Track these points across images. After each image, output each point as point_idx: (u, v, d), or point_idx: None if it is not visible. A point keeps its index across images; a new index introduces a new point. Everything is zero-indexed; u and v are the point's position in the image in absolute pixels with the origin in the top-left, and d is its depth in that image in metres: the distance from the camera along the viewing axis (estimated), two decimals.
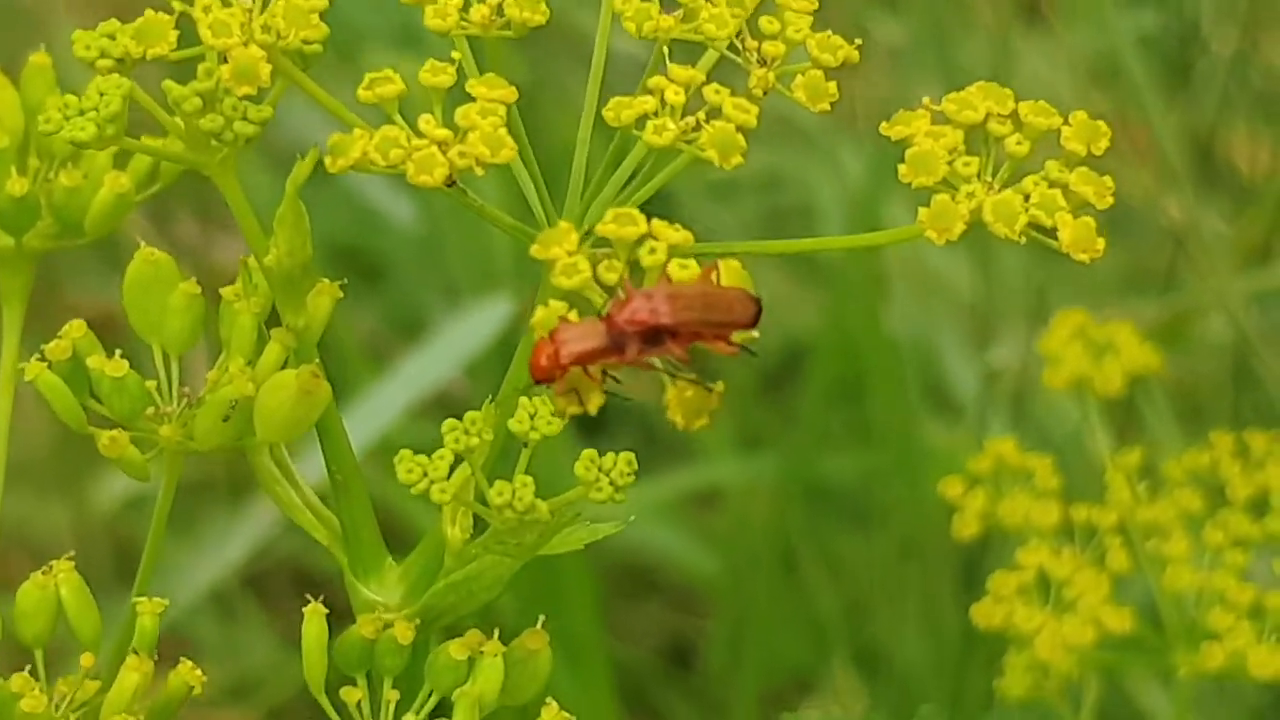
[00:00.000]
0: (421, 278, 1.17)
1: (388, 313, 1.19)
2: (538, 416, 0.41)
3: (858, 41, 0.42)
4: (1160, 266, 1.04)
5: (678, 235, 0.39)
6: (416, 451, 0.41)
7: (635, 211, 0.39)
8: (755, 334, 0.40)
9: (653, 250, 0.39)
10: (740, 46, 0.42)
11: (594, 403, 0.40)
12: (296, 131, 1.06)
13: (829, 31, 0.42)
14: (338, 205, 1.15)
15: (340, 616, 0.44)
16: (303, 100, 0.42)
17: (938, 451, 1.01)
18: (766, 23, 0.42)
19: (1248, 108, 1.13)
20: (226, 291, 0.43)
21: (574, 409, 0.40)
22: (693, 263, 0.39)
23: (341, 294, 0.44)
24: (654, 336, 0.38)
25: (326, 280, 0.43)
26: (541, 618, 0.43)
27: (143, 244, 0.44)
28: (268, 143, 0.45)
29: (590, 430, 1.14)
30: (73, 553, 0.44)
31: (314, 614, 0.42)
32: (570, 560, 0.99)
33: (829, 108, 0.41)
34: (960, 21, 1.17)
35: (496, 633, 0.42)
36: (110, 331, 0.45)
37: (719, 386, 0.40)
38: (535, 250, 0.39)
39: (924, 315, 1.06)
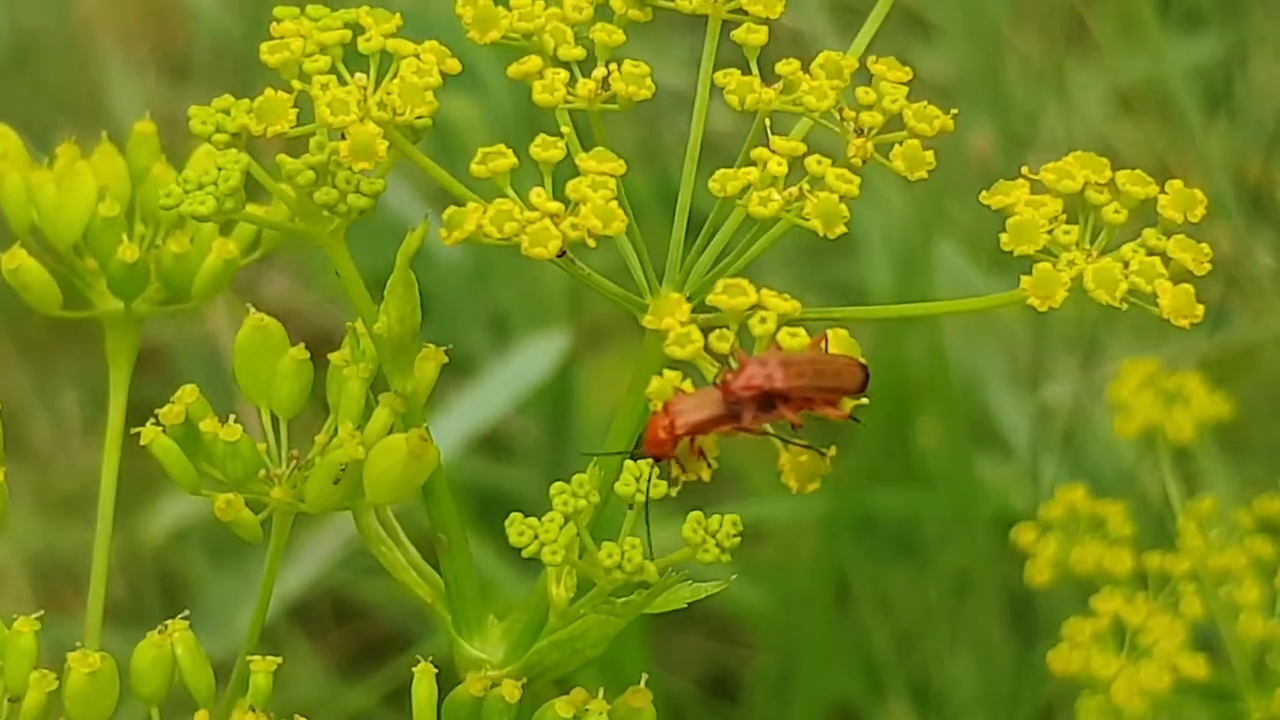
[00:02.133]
0: (468, 310, 1.18)
1: (436, 344, 1.20)
2: (642, 479, 0.42)
3: (954, 111, 0.43)
4: (1213, 300, 1.04)
5: (787, 305, 0.40)
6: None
7: (745, 282, 0.40)
8: (865, 400, 0.41)
9: (763, 320, 0.40)
10: (839, 117, 0.43)
11: (706, 473, 0.41)
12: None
13: (925, 102, 0.43)
14: (379, 233, 1.16)
15: (382, 645, 0.45)
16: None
17: (990, 488, 1.01)
18: (863, 94, 0.43)
19: None
20: (334, 357, 0.45)
21: (688, 476, 0.41)
22: (801, 331, 0.40)
23: (447, 359, 0.45)
24: (767, 403, 0.40)
25: (433, 346, 0.45)
26: (645, 675, 0.44)
27: (252, 310, 0.45)
28: None
29: None
30: (185, 613, 0.45)
31: (424, 674, 0.43)
32: None
33: (926, 175, 0.43)
34: (1000, 50, 1.18)
35: (601, 691, 0.43)
36: (158, 365, 0.46)
37: (831, 451, 0.41)
38: (648, 321, 0.40)
39: (972, 350, 1.07)
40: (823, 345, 0.41)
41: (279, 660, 0.44)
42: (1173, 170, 1.09)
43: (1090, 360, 1.01)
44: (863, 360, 0.41)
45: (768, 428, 0.40)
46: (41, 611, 0.44)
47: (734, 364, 0.40)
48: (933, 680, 1.02)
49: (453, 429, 0.99)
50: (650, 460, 0.41)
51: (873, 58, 0.44)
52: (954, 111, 0.43)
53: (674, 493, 0.41)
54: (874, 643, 1.00)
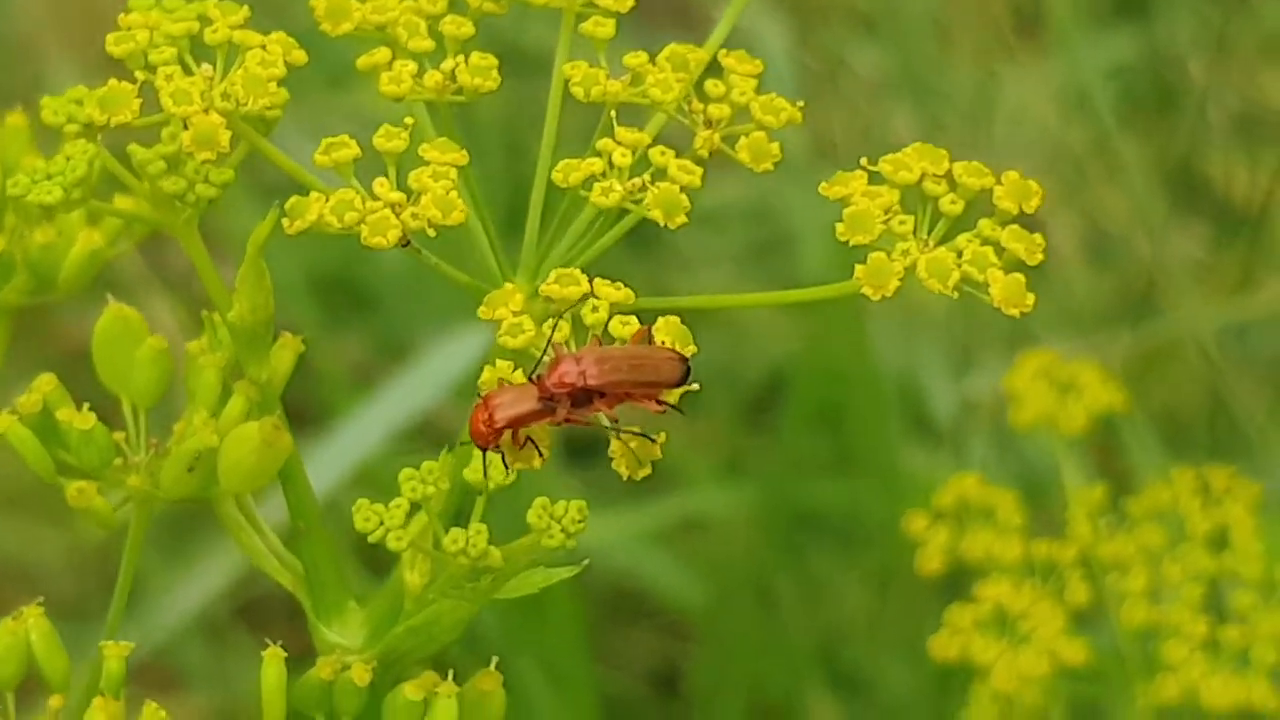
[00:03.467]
0: (410, 306, 1.19)
1: (376, 340, 1.21)
2: (491, 467, 0.42)
3: (801, 103, 0.43)
4: (1138, 294, 1.05)
5: (619, 294, 0.40)
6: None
7: (577, 271, 0.41)
8: (695, 387, 0.41)
9: (595, 308, 0.40)
10: (687, 109, 0.43)
11: (536, 462, 0.41)
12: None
13: (772, 94, 0.43)
14: (327, 236, 1.16)
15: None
16: (295, 129, 0.43)
17: (918, 478, 1.02)
18: (712, 86, 0.43)
19: (1225, 133, 1.14)
20: (191, 346, 0.45)
21: (519, 465, 0.41)
22: (633, 319, 0.40)
23: (302, 347, 0.45)
24: (583, 398, 0.40)
25: (289, 334, 0.45)
26: (495, 658, 0.45)
27: (111, 299, 0.46)
28: (255, 176, 0.47)
29: (579, 456, 1.15)
30: (41, 598, 0.45)
31: (272, 658, 0.43)
32: (557, 587, 1.00)
33: (771, 167, 0.43)
34: (941, 50, 1.19)
35: (451, 674, 0.44)
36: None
37: (661, 438, 0.41)
38: (482, 312, 0.41)
39: (904, 342, 1.07)
40: (648, 337, 0.41)
41: (131, 646, 0.44)
42: (1108, 170, 1.10)
43: (1017, 350, 1.02)
44: (684, 352, 0.41)
45: (602, 418, 0.41)
46: None
47: (549, 360, 0.40)
48: (862, 669, 1.02)
49: (384, 416, 1.00)
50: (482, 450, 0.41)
51: (723, 51, 0.44)
52: (800, 104, 0.43)
53: (510, 480, 0.42)
54: (797, 637, 1.00)
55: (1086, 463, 0.69)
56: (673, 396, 0.41)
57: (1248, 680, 0.59)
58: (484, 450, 0.41)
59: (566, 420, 0.40)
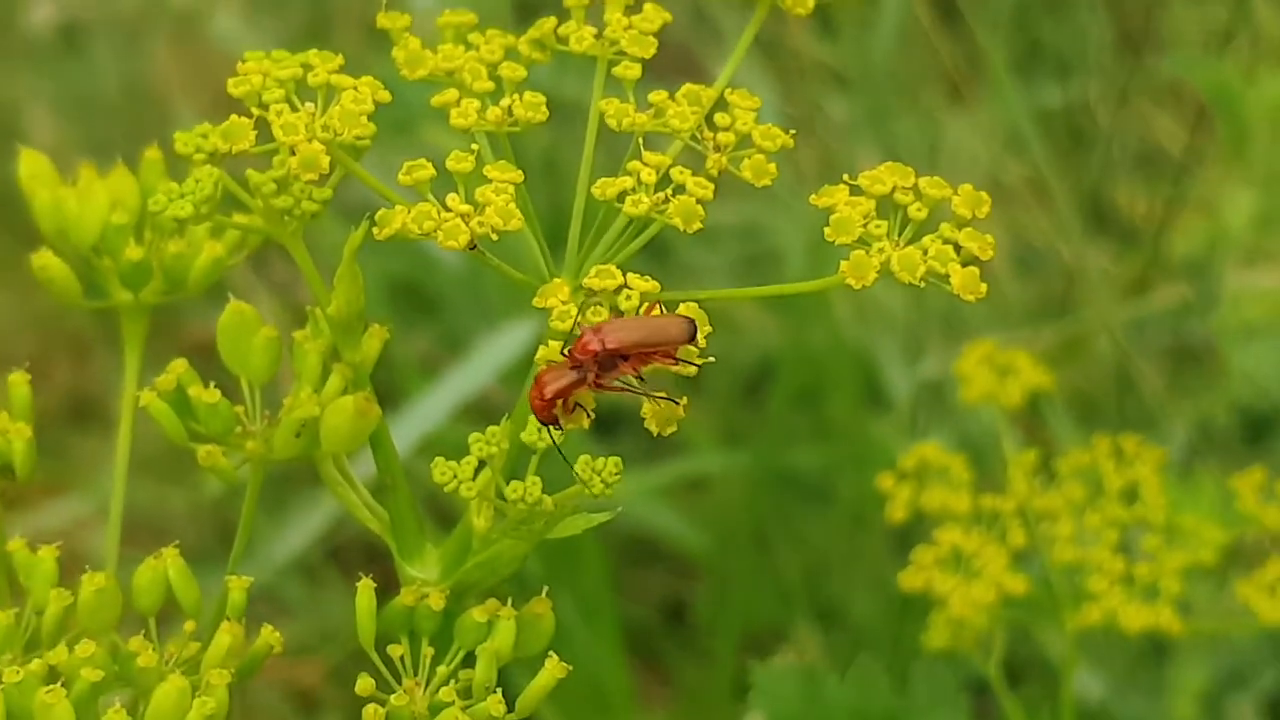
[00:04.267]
0: (467, 307, 1.18)
1: (440, 336, 1.21)
2: (544, 429, 0.42)
3: (792, 132, 0.43)
4: (1058, 296, 1.04)
5: (646, 284, 0.40)
6: (461, 448, 0.42)
7: (613, 268, 0.40)
8: (697, 347, 0.40)
9: (628, 297, 0.40)
10: (700, 136, 0.42)
11: (584, 422, 0.41)
12: (363, 192, 1.08)
13: (770, 124, 0.43)
14: (399, 250, 1.16)
15: (396, 584, 0.45)
16: (372, 164, 0.43)
17: (880, 445, 1.01)
18: (720, 117, 0.43)
19: (1129, 166, 1.14)
20: (298, 334, 0.44)
21: (570, 426, 0.41)
22: (660, 306, 0.40)
23: (389, 336, 0.44)
24: (609, 363, 0.39)
25: (377, 325, 0.44)
26: (546, 588, 0.44)
27: (232, 298, 0.45)
28: (341, 200, 0.47)
29: (602, 432, 1.15)
30: (178, 541, 0.44)
31: (365, 588, 0.43)
32: (586, 536, 1.00)
33: (770, 183, 0.42)
34: (901, 100, 1.18)
35: (510, 600, 0.43)
36: (215, 353, 0.46)
37: (684, 400, 0.41)
38: (536, 301, 0.40)
39: (865, 333, 1.07)
40: (655, 311, 0.40)
41: (251, 580, 0.43)
42: (1035, 196, 1.09)
43: (959, 339, 1.01)
44: (701, 331, 0.40)
45: (633, 382, 0.40)
46: (60, 541, 0.44)
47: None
48: (838, 603, 1.02)
49: (446, 398, 0.99)
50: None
51: (729, 89, 0.44)
52: (793, 132, 0.43)
53: (561, 440, 0.41)
54: (783, 575, 1.00)
55: (1016, 432, 0.68)
56: (691, 357, 0.40)
57: (1157, 608, 0.59)
58: (544, 424, 0.40)
59: (597, 385, 0.39)
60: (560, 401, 0.40)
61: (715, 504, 1.09)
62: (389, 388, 1.11)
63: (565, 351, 0.39)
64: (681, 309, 0.40)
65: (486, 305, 1.15)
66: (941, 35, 1.15)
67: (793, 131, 0.43)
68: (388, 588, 0.46)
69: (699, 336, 0.40)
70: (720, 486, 1.08)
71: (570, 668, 0.42)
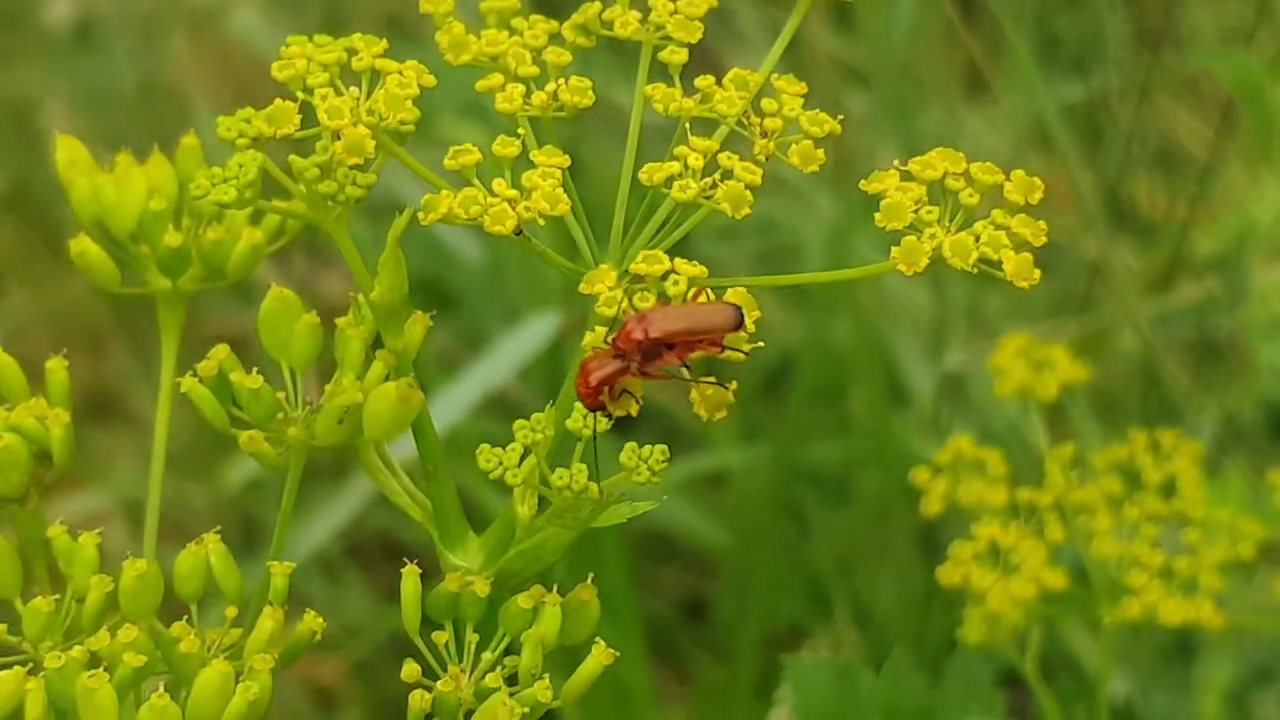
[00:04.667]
0: (486, 303, 1.18)
1: (459, 331, 1.20)
2: (589, 416, 0.41)
3: (840, 116, 0.42)
4: (1081, 292, 1.04)
5: (694, 269, 0.40)
6: (483, 442, 0.41)
7: (660, 253, 0.40)
8: (745, 333, 0.40)
9: (675, 282, 0.39)
10: (746, 122, 0.42)
11: (633, 408, 0.40)
12: (385, 187, 1.08)
13: (816, 109, 0.42)
14: (418, 245, 1.16)
15: (424, 579, 0.45)
16: (392, 162, 0.42)
17: (902, 441, 1.01)
18: (767, 103, 0.42)
19: (1148, 163, 1.13)
20: (340, 321, 0.44)
21: (619, 412, 0.40)
22: (708, 291, 0.39)
23: (430, 323, 0.44)
24: (652, 351, 0.39)
25: (420, 312, 0.44)
26: (591, 575, 0.44)
27: (273, 285, 0.45)
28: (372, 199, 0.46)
29: (620, 425, 1.14)
30: (217, 527, 0.44)
31: (410, 574, 0.42)
32: (608, 531, 1.00)
33: (817, 169, 0.42)
34: (920, 95, 1.18)
35: (555, 587, 0.43)
36: (241, 350, 0.46)
37: (733, 385, 0.40)
38: (583, 286, 0.40)
39: (887, 328, 1.07)
40: (701, 298, 0.40)
41: (293, 565, 0.43)
42: (1057, 191, 1.09)
43: (980, 335, 1.01)
44: (749, 315, 0.40)
45: (683, 371, 0.40)
46: (101, 528, 0.43)
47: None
48: (861, 598, 1.01)
49: (467, 392, 0.99)
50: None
51: (775, 75, 0.43)
52: (840, 117, 0.42)
53: (608, 424, 0.41)
54: (809, 571, 0.99)
55: (1041, 427, 0.67)
56: (739, 344, 0.40)
57: (1196, 602, 0.58)
58: (592, 410, 0.40)
59: (642, 372, 0.39)
60: (607, 389, 0.39)
61: (735, 500, 1.09)
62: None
63: (609, 339, 0.39)
64: (730, 295, 0.40)
65: (507, 301, 1.15)
66: (962, 28, 1.14)
67: (841, 116, 0.42)
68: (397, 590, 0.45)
69: (747, 322, 0.39)
70: (740, 482, 1.07)
71: (617, 653, 0.41)
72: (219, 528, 0.44)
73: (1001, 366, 0.64)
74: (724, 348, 0.39)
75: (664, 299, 0.39)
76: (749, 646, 0.99)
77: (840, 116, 0.42)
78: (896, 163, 0.41)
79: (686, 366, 0.39)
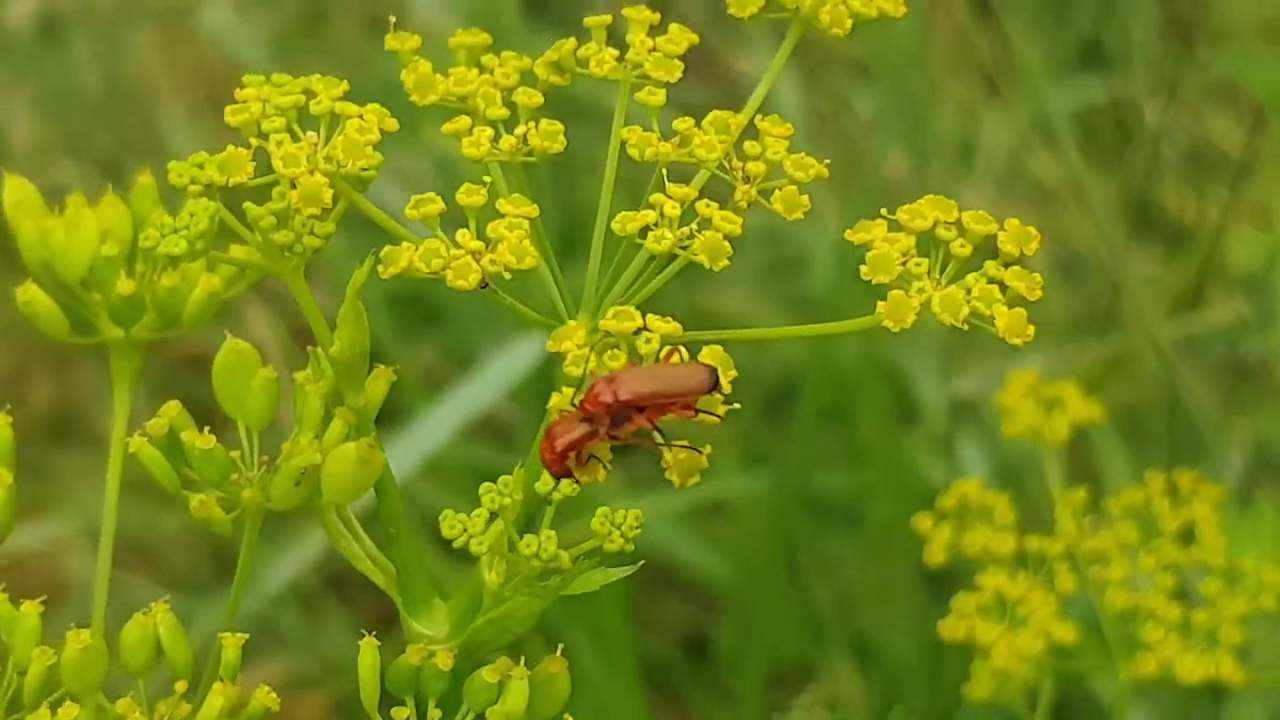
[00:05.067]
0: (474, 318, 1.18)
1: (445, 348, 1.20)
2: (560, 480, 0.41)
3: (826, 161, 0.43)
4: (1104, 307, 1.03)
5: (667, 326, 0.40)
6: (469, 469, 0.42)
7: (631, 309, 0.40)
8: (720, 394, 0.40)
9: (648, 340, 0.39)
10: (728, 166, 0.42)
11: (601, 474, 0.40)
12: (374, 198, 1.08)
13: (802, 153, 0.42)
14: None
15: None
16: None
17: (913, 466, 1.01)
18: (750, 146, 0.42)
19: (1178, 167, 1.13)
20: (299, 376, 0.44)
21: (585, 479, 0.41)
22: (682, 349, 0.40)
23: (395, 378, 0.44)
24: (622, 414, 0.39)
25: (383, 366, 0.44)
26: (561, 646, 0.44)
27: (229, 336, 0.45)
28: (347, 213, 0.46)
29: (619, 452, 1.14)
30: (167, 596, 0.44)
31: (368, 646, 0.43)
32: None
33: (803, 216, 0.42)
34: (929, 94, 1.18)
35: (523, 660, 0.43)
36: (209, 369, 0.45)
37: (707, 449, 0.40)
38: (550, 345, 0.40)
39: (896, 346, 1.07)
40: (675, 358, 0.40)
41: (246, 636, 0.43)
42: (1078, 198, 1.08)
43: (999, 355, 1.01)
44: (725, 375, 0.40)
45: (655, 435, 0.40)
46: (45, 597, 0.44)
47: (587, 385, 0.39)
48: (868, 637, 1.01)
49: (453, 415, 0.99)
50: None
51: (759, 116, 0.43)
52: (826, 161, 0.43)
53: (575, 492, 0.41)
54: (815, 606, 0.99)
55: (1059, 458, 0.68)
56: (714, 406, 0.40)
57: (1216, 657, 0.58)
58: (557, 478, 0.40)
59: (611, 436, 0.39)
60: (573, 454, 0.39)
61: (737, 530, 1.09)
62: (390, 404, 1.11)
63: (576, 402, 0.39)
64: (705, 354, 0.40)
65: (496, 316, 1.15)
66: (978, 25, 1.14)
67: (827, 161, 0.42)
68: (392, 623, 0.46)
69: (723, 383, 0.40)
70: (743, 511, 1.07)
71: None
72: (168, 598, 0.44)
73: (1009, 406, 0.64)
74: (697, 411, 0.40)
75: (635, 358, 0.40)
76: (751, 686, 0.99)
77: (825, 162, 0.42)
78: (884, 212, 0.41)
79: (658, 430, 0.40)
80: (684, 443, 0.40)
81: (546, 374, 1.07)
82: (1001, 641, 0.58)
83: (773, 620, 1.01)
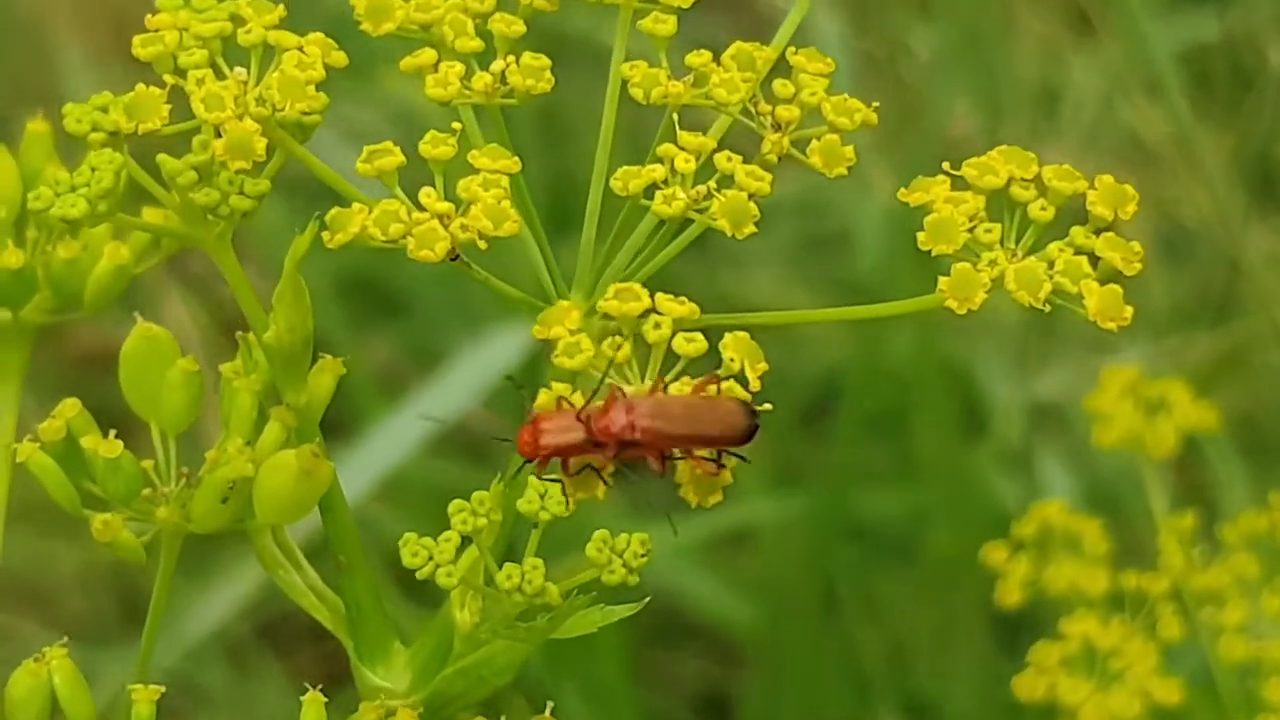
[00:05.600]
0: (442, 307, 1.18)
1: (408, 344, 1.20)
2: (548, 496, 0.41)
3: (875, 105, 0.42)
4: (1219, 290, 1.03)
5: (682, 309, 0.39)
6: (434, 490, 0.41)
7: (637, 286, 0.40)
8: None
9: (657, 325, 0.39)
10: (754, 111, 0.42)
11: (600, 491, 0.40)
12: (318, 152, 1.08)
13: (845, 94, 0.42)
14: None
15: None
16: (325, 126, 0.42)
17: (982, 487, 1.01)
18: (781, 86, 0.42)
19: None
20: (226, 369, 0.44)
21: (581, 495, 0.40)
22: (699, 336, 0.39)
23: (344, 370, 0.44)
24: (632, 445, 0.39)
25: (329, 356, 0.44)
26: (550, 704, 0.44)
27: (139, 318, 0.45)
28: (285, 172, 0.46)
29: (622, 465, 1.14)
30: (64, 639, 0.44)
31: (312, 703, 0.42)
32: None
33: (845, 172, 0.42)
34: (1003, 31, 1.17)
35: (501, 718, 0.43)
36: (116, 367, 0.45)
37: (731, 463, 0.40)
38: (536, 331, 0.40)
39: (962, 339, 1.06)
40: (713, 389, 0.39)
41: (161, 689, 0.43)
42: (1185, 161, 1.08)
43: (1091, 350, 1.01)
44: (755, 368, 0.39)
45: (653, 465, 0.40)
46: None
47: (600, 404, 0.39)
48: (926, 693, 1.01)
49: (416, 425, 0.99)
50: (555, 480, 0.40)
51: (791, 49, 0.43)
52: (875, 105, 0.42)
53: (569, 510, 0.41)
54: (861, 657, 0.99)
55: (1163, 473, 0.67)
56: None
57: None
58: (528, 459, 0.40)
59: (613, 460, 0.39)
60: (561, 461, 0.39)
61: (765, 564, 1.09)
62: (341, 411, 1.11)
63: (581, 415, 0.39)
64: (728, 340, 0.40)
65: (468, 301, 1.15)
66: None
67: (875, 104, 0.42)
68: (342, 676, 0.46)
69: (752, 381, 0.39)
70: (772, 541, 1.07)
71: None
72: (65, 640, 0.44)
73: (1102, 410, 0.64)
74: (720, 464, 0.39)
75: (643, 349, 0.39)
76: None
77: (874, 105, 0.42)
78: (947, 166, 0.41)
79: (666, 458, 0.39)
80: (703, 453, 0.40)
81: (531, 374, 1.06)
82: (1090, 702, 0.58)
83: (809, 675, 1.01)
